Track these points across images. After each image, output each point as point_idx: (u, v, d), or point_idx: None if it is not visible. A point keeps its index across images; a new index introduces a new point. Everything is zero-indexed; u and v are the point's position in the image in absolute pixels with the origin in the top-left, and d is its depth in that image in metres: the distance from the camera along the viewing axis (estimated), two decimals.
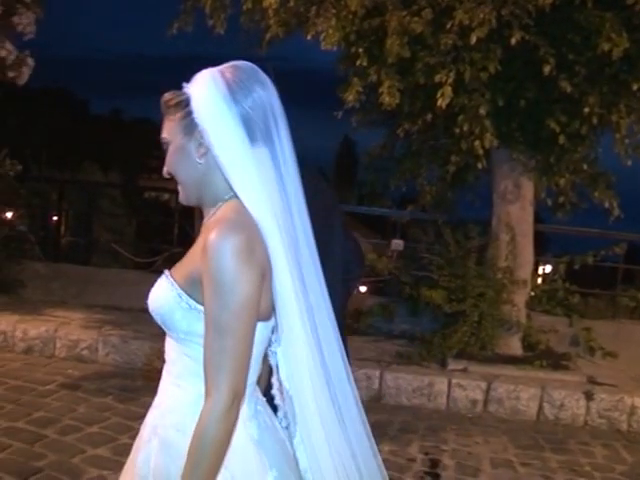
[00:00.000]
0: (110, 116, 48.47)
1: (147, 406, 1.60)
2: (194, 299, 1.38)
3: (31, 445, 3.81)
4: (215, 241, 1.28)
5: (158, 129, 1.45)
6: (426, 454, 4.24)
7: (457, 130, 5.01)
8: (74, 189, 9.54)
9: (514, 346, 5.68)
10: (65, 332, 5.53)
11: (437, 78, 4.70)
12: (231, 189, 1.34)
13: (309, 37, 5.10)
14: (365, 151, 6.83)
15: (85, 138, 36.17)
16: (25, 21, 6.25)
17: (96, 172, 11.31)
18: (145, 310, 1.51)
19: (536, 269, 6.61)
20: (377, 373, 5.13)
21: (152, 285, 1.50)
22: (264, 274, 1.31)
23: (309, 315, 1.38)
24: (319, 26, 4.93)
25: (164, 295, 1.43)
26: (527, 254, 5.75)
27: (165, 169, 1.48)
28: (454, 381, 5.09)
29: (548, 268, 7.43)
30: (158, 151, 1.50)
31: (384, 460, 1.60)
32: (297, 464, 1.47)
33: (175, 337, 1.45)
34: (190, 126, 1.36)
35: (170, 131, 1.42)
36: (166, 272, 1.48)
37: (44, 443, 3.86)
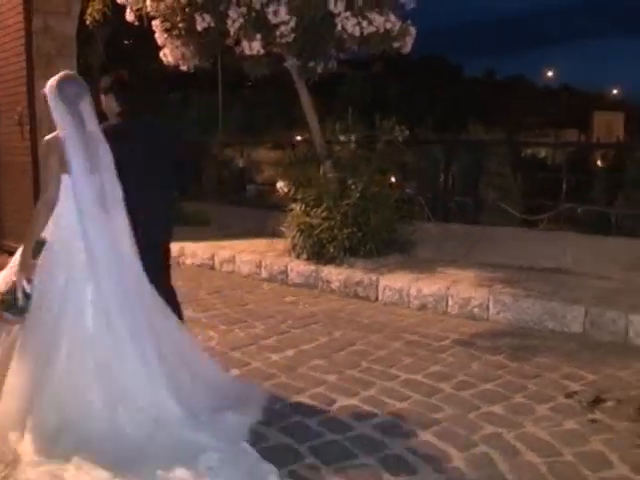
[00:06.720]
0: (484, 77, 48.74)
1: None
2: None
3: (429, 397, 3.95)
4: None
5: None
6: None
7: None
8: (460, 150, 9.71)
9: None
10: (457, 290, 5.63)
11: None
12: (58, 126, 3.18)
13: None
14: None
15: (463, 100, 36.86)
16: None
17: (479, 132, 10.97)
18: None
19: None
20: None
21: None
22: (61, 155, 3.09)
23: (89, 171, 3.15)
24: None
25: None
26: None
27: None
28: None
29: None
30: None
31: None
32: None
33: None
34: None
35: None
36: None
37: (441, 397, 3.97)
